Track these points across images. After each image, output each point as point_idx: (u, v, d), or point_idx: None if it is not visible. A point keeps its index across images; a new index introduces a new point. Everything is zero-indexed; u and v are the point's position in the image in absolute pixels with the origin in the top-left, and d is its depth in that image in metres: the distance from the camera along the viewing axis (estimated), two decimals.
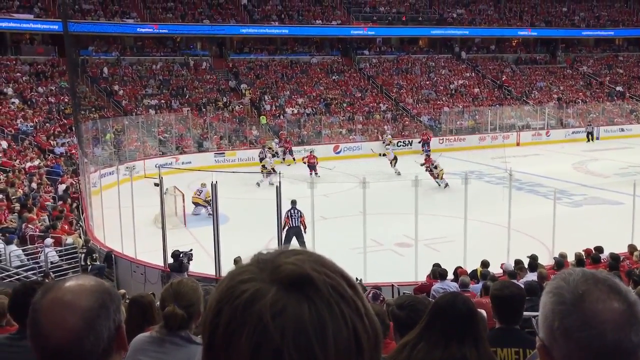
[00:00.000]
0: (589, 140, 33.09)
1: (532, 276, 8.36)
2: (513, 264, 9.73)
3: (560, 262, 9.46)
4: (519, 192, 15.11)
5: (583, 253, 10.12)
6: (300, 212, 13.16)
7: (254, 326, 0.68)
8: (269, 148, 23.88)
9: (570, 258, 9.91)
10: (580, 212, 16.28)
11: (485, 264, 9.72)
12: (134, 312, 3.20)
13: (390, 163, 23.27)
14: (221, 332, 0.70)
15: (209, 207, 15.37)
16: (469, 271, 9.79)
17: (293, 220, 13.21)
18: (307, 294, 0.70)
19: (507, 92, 38.51)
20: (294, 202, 13.25)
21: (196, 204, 17.29)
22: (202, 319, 0.76)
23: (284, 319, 0.68)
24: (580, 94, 39.71)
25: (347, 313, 0.70)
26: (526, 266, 9.29)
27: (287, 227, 13.01)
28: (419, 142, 29.82)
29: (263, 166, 21.61)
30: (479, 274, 9.62)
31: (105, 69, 32.13)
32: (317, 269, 0.72)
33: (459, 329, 2.02)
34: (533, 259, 9.59)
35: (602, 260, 9.69)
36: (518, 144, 32.07)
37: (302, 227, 13.21)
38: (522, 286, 5.39)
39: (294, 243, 12.87)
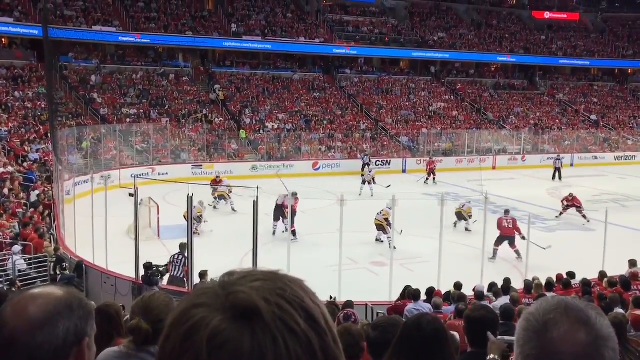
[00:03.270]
0: (555, 178, 27.87)
1: (505, 299, 8.41)
2: (486, 286, 9.79)
3: (529, 286, 9.54)
4: (494, 215, 15.26)
5: (554, 278, 10.22)
6: (185, 260, 10.87)
7: (192, 358, 0.68)
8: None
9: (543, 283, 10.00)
10: (553, 237, 16.48)
11: (457, 286, 9.75)
12: (99, 321, 3.10)
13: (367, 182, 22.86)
14: (167, 357, 0.71)
15: (196, 224, 14.75)
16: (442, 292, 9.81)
17: (174, 268, 11.10)
18: (252, 325, 0.67)
19: (484, 116, 39.07)
20: (181, 247, 11.16)
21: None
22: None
23: (221, 353, 0.66)
24: (557, 120, 40.49)
25: (292, 348, 0.67)
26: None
27: (170, 274, 11.25)
28: (427, 172, 27.08)
29: (215, 189, 19.59)
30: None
31: (93, 77, 31.80)
32: (269, 299, 0.69)
33: (427, 350, 2.03)
34: (506, 282, 9.67)
35: (572, 286, 9.79)
36: (494, 168, 32.49)
37: (184, 279, 10.82)
38: (495, 310, 5.41)
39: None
